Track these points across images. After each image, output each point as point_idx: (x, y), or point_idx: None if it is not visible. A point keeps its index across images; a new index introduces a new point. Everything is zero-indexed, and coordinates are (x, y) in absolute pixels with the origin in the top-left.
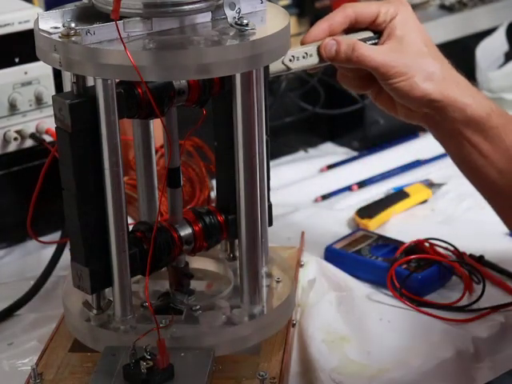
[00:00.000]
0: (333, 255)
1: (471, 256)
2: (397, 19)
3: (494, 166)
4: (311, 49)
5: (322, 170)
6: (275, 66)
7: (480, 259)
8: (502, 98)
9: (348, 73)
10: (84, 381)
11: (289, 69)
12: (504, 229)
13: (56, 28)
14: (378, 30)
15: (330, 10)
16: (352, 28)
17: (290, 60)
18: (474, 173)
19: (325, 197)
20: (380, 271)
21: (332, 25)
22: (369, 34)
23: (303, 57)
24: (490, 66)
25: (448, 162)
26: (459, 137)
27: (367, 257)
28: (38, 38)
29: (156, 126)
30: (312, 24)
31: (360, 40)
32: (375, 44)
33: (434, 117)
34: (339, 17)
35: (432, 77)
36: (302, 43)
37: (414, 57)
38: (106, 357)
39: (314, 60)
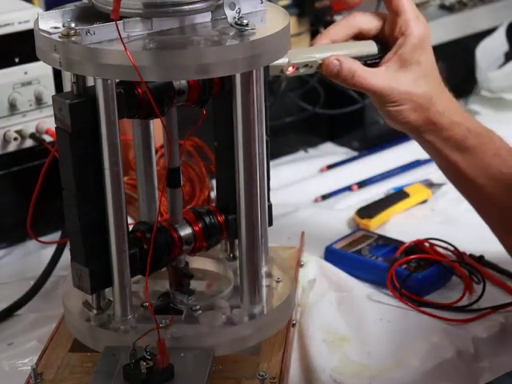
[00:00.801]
0: (333, 255)
1: (471, 256)
2: (409, 39)
3: (474, 181)
4: (313, 62)
5: (321, 170)
6: (273, 70)
7: (480, 259)
8: (502, 97)
9: None
10: (84, 381)
11: (285, 74)
12: None
13: (56, 28)
14: (383, 42)
15: (330, 10)
16: (357, 36)
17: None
18: (455, 183)
19: (325, 197)
20: (380, 271)
21: (335, 39)
22: (373, 48)
23: (303, 66)
24: (490, 66)
25: None
26: (439, 153)
27: (367, 257)
28: (38, 38)
29: (156, 126)
30: (312, 24)
31: (362, 57)
32: (378, 60)
33: (414, 138)
34: (343, 30)
35: (419, 108)
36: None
37: (409, 87)
38: (106, 357)
39: (312, 70)
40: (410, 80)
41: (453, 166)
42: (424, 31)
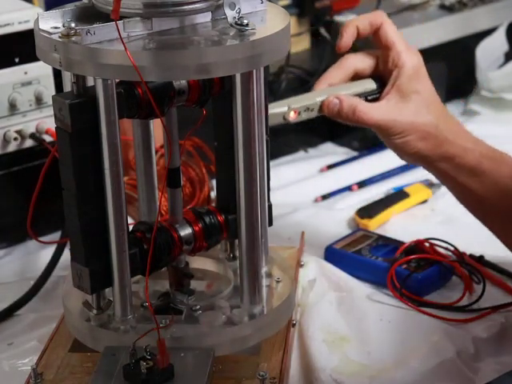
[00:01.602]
0: (333, 255)
1: (471, 256)
2: (403, 71)
3: (492, 205)
4: (313, 104)
5: (321, 170)
6: (273, 119)
7: (480, 259)
8: (502, 97)
9: None
10: (84, 381)
11: (287, 121)
12: None
13: (56, 28)
14: (380, 77)
15: (330, 10)
16: (354, 77)
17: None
18: (472, 208)
19: (325, 197)
20: (380, 271)
21: (359, 29)
22: (372, 84)
23: (304, 111)
24: (490, 66)
25: None
26: (454, 181)
27: (367, 257)
28: (38, 38)
29: (156, 126)
30: (312, 24)
31: (362, 94)
32: (378, 94)
33: (427, 167)
34: (366, 22)
35: (426, 136)
36: (337, 50)
37: (412, 117)
38: (106, 357)
39: (313, 114)
40: (411, 110)
41: (468, 192)
42: (417, 60)
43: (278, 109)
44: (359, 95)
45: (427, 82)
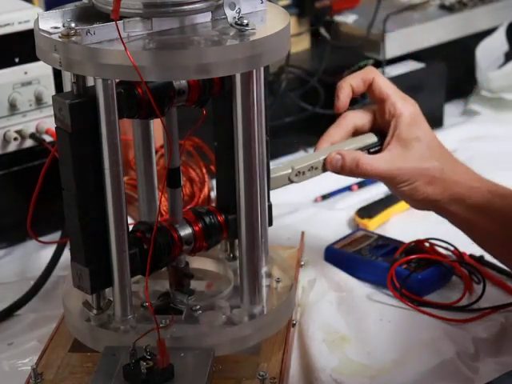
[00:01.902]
0: (333, 255)
1: (471, 256)
2: (401, 120)
3: (499, 238)
4: (317, 162)
5: None
6: (279, 181)
7: (480, 259)
8: (501, 97)
9: None
10: (84, 381)
11: (293, 182)
12: None
13: (56, 28)
14: (380, 130)
15: (330, 10)
16: (354, 134)
17: (296, 175)
18: (488, 247)
19: (325, 197)
20: (380, 271)
21: (353, 88)
22: (372, 138)
23: (309, 170)
24: (490, 66)
25: None
26: (467, 222)
27: (367, 257)
28: (38, 38)
29: (156, 126)
30: (312, 24)
31: (364, 147)
32: (380, 147)
33: (438, 212)
34: (359, 79)
35: (433, 181)
36: (336, 111)
37: (416, 163)
38: (106, 357)
39: (318, 172)
40: (415, 156)
41: (479, 230)
42: (413, 108)
43: (282, 172)
44: (361, 150)
45: (426, 127)
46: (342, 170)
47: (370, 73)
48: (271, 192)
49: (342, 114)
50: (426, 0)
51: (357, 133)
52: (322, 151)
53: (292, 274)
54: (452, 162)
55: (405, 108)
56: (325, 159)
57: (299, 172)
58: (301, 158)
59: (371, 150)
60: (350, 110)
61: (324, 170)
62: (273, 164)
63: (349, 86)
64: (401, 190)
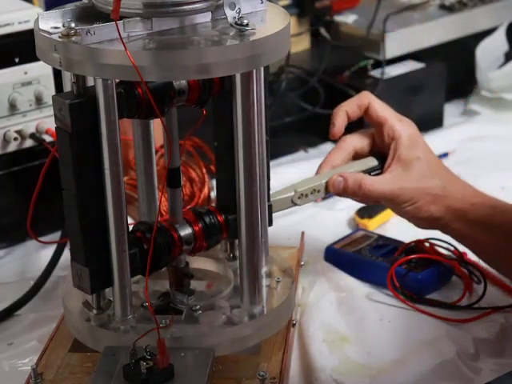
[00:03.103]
0: (333, 255)
1: None
2: (400, 142)
3: (503, 253)
4: (319, 185)
5: None
6: (282, 204)
7: None
8: (502, 97)
9: None
10: (84, 381)
11: (295, 205)
12: None
13: (56, 28)
14: (380, 154)
15: (330, 10)
16: (354, 157)
17: (299, 197)
18: (483, 257)
19: (325, 197)
20: (380, 271)
21: (349, 114)
22: (373, 161)
23: (311, 193)
24: (490, 66)
25: (448, 161)
26: (469, 238)
27: (367, 257)
28: (38, 38)
29: (156, 126)
30: (312, 24)
31: (365, 171)
32: (380, 170)
33: (442, 230)
34: (354, 105)
35: (436, 199)
36: (331, 137)
37: (418, 182)
38: (106, 357)
39: (321, 194)
40: (416, 176)
41: (483, 247)
42: (411, 129)
43: (285, 194)
44: (363, 173)
45: (425, 146)
46: (344, 191)
47: (365, 98)
48: (271, 192)
49: (342, 137)
50: (426, 0)
51: (357, 156)
52: (323, 174)
53: (292, 274)
54: (452, 179)
55: (403, 130)
56: (327, 182)
57: (302, 195)
58: (303, 180)
59: (372, 173)
60: (349, 134)
61: (327, 192)
62: (273, 164)
63: (344, 112)
64: (404, 210)
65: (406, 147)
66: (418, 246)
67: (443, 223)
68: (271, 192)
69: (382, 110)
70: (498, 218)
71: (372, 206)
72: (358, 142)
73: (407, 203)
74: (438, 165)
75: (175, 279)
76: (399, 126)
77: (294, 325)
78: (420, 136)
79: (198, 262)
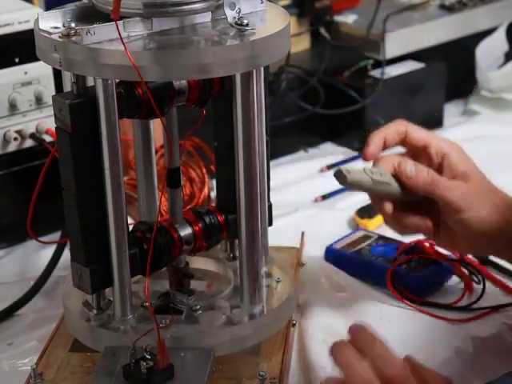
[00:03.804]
0: (333, 255)
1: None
2: (453, 157)
3: None
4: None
5: (322, 170)
6: (362, 177)
7: (483, 258)
8: (502, 97)
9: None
10: (84, 381)
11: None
12: None
13: (56, 28)
14: (426, 160)
15: (330, 10)
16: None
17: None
18: None
19: (325, 197)
20: (380, 271)
21: (387, 139)
22: None
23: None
24: (490, 66)
25: None
26: None
27: (367, 257)
28: (38, 38)
29: (156, 126)
30: (312, 24)
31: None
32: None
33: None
34: (393, 131)
35: (499, 210)
36: (364, 158)
37: (481, 193)
38: (105, 357)
39: (394, 188)
40: (478, 186)
41: None
42: (456, 145)
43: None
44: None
45: (476, 166)
46: (416, 178)
47: (401, 125)
48: (271, 192)
49: (378, 158)
50: (426, 0)
51: (405, 142)
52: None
53: (292, 274)
54: (505, 192)
55: (451, 146)
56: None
57: (371, 171)
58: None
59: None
60: (386, 155)
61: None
62: (273, 164)
63: (382, 136)
64: (463, 218)
65: (459, 161)
66: (417, 246)
67: (501, 238)
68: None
69: (422, 133)
70: None
71: (372, 205)
72: (415, 130)
73: (471, 211)
74: (486, 177)
75: (175, 279)
76: (445, 143)
77: (294, 325)
78: (464, 150)
79: (198, 262)
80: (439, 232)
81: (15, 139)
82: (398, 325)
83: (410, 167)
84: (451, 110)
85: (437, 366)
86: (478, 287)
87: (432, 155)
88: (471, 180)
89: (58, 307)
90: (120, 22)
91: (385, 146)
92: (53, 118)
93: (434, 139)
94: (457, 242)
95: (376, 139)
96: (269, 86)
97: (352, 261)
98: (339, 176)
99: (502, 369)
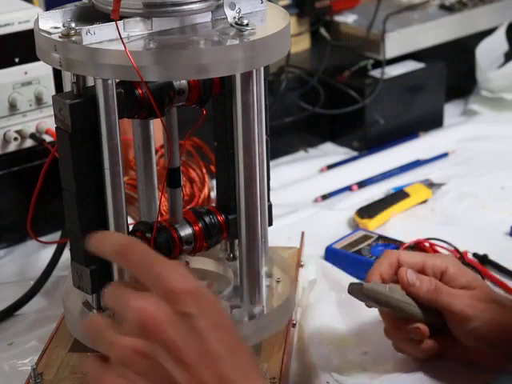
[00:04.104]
0: (333, 255)
1: (475, 255)
2: (451, 271)
3: None
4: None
5: (322, 170)
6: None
7: (483, 258)
8: (502, 97)
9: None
10: (84, 381)
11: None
12: (504, 228)
13: (56, 28)
14: None
15: (329, 10)
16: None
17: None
18: None
19: (325, 197)
20: None
21: (383, 277)
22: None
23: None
24: (490, 66)
25: (448, 161)
26: None
27: (367, 257)
28: (38, 38)
29: (156, 126)
30: (312, 24)
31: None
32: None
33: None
34: (386, 266)
35: (500, 316)
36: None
37: (485, 299)
38: None
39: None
40: (481, 295)
41: None
42: (449, 258)
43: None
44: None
45: (469, 270)
46: (418, 284)
47: (391, 255)
48: (271, 192)
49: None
50: (426, 0)
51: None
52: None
53: (292, 274)
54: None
55: (445, 261)
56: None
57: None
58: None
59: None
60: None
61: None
62: (273, 164)
63: (378, 275)
64: (474, 327)
65: (458, 273)
66: (418, 246)
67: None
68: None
69: (414, 257)
70: None
71: (372, 205)
72: (407, 257)
73: (477, 322)
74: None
75: None
76: (439, 259)
77: (294, 325)
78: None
79: (198, 262)
80: (454, 351)
81: (15, 139)
82: None
83: (411, 274)
84: (451, 110)
85: (436, 366)
86: None
87: (430, 275)
88: (474, 289)
89: (58, 307)
90: (120, 22)
91: (383, 282)
92: (53, 118)
93: (428, 259)
94: (470, 355)
95: (373, 280)
96: (269, 86)
97: (352, 261)
98: (352, 289)
99: (501, 368)
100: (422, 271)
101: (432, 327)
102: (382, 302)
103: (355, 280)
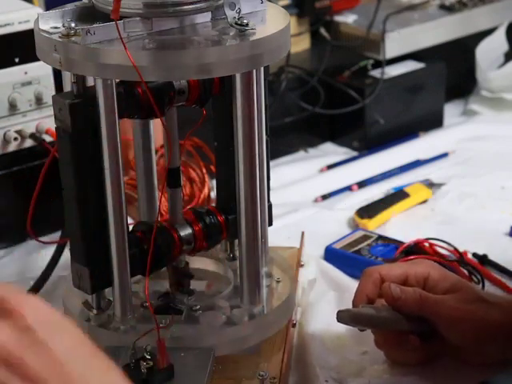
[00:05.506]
0: (333, 255)
1: (474, 255)
2: (434, 277)
3: None
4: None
5: (322, 170)
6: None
7: (483, 258)
8: (502, 97)
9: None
10: None
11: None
12: (504, 228)
13: (56, 28)
14: None
15: (329, 10)
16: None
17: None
18: None
19: (325, 197)
20: None
21: (369, 297)
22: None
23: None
24: (490, 66)
25: (448, 161)
26: None
27: (367, 257)
28: (38, 38)
29: (156, 126)
30: (312, 24)
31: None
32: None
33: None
34: (370, 285)
35: (489, 317)
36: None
37: (471, 299)
38: None
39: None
40: (468, 298)
41: None
42: (429, 265)
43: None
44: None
45: (452, 273)
46: (402, 296)
47: (373, 272)
48: (271, 192)
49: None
50: (426, 0)
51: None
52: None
53: (292, 274)
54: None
55: (427, 269)
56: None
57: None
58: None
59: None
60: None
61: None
62: (273, 164)
63: (364, 296)
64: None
65: (440, 278)
66: (417, 246)
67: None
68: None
69: (394, 270)
70: None
71: (372, 205)
72: (388, 271)
73: (466, 324)
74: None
75: (175, 279)
76: (420, 267)
77: (294, 325)
78: (437, 265)
79: (198, 262)
80: (447, 353)
81: (15, 139)
82: None
83: (395, 289)
84: (451, 110)
85: (436, 365)
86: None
87: (414, 284)
88: (459, 291)
89: (57, 307)
90: (120, 22)
91: (369, 302)
92: (53, 118)
93: (409, 269)
94: (463, 355)
95: (360, 302)
96: (269, 86)
97: (352, 261)
98: (341, 317)
99: (501, 368)
100: (405, 282)
101: (422, 335)
102: (371, 325)
103: (355, 280)
